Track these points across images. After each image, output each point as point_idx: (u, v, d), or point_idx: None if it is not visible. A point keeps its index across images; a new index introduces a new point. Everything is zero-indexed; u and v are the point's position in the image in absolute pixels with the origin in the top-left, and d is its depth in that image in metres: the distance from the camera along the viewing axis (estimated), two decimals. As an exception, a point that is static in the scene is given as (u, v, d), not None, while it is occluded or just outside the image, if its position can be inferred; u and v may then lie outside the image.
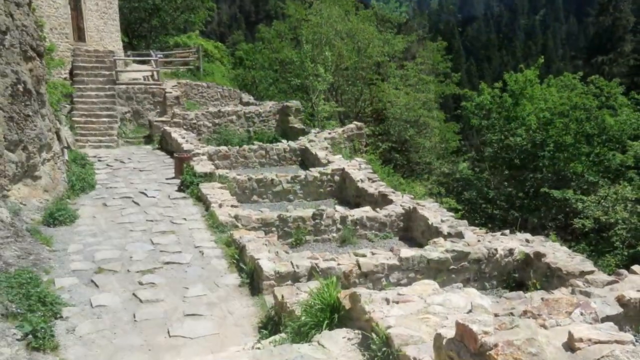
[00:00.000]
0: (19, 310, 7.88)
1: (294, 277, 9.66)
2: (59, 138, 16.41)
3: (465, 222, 14.13)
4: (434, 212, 14.58)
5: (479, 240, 11.99)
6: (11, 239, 10.51)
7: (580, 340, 3.70)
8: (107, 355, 7.48)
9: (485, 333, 3.86)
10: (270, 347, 6.18)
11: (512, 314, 4.38)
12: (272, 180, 18.24)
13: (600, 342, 3.71)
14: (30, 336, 7.33)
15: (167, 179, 18.31)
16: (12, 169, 12.88)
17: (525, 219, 26.11)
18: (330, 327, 6.49)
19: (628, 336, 3.81)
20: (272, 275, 9.52)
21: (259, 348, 6.32)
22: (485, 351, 3.75)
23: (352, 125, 26.93)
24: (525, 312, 4.29)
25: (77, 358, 7.36)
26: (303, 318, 6.88)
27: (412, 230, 14.98)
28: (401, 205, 15.35)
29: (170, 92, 27.97)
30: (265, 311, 8.80)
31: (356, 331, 6.10)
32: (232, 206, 14.26)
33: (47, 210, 13.33)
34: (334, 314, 6.64)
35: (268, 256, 10.13)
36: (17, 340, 7.24)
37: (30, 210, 13.17)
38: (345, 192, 18.90)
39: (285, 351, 5.83)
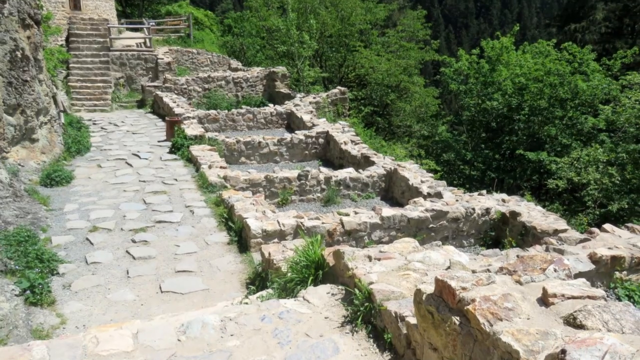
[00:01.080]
0: (17, 267, 7.84)
1: (281, 236, 9.64)
2: (55, 102, 16.23)
3: (444, 182, 14.13)
4: (414, 173, 14.58)
5: (457, 200, 12.02)
6: (10, 199, 10.44)
7: (554, 295, 3.67)
8: (102, 310, 7.44)
9: (464, 289, 3.83)
10: (258, 302, 6.15)
11: (488, 270, 4.34)
12: (260, 142, 18.17)
13: (573, 297, 3.68)
14: (28, 292, 7.33)
15: (158, 141, 18.16)
16: (11, 131, 12.86)
17: (502, 179, 26.25)
18: (315, 283, 6.47)
19: (600, 292, 3.78)
20: (259, 233, 9.48)
21: (246, 303, 6.29)
22: (464, 306, 3.72)
23: (335, 90, 26.77)
24: (501, 269, 4.25)
25: (73, 312, 7.31)
26: (289, 274, 6.86)
27: (393, 190, 14.96)
28: (383, 167, 15.32)
29: (162, 59, 27.84)
30: (252, 268, 8.77)
31: (340, 287, 6.07)
32: (221, 167, 14.16)
33: (44, 172, 13.26)
34: (318, 271, 6.61)
35: (255, 215, 10.08)
36: (16, 295, 7.19)
37: (28, 171, 13.08)
38: (330, 153, 18.86)
39: (271, 306, 5.81)
